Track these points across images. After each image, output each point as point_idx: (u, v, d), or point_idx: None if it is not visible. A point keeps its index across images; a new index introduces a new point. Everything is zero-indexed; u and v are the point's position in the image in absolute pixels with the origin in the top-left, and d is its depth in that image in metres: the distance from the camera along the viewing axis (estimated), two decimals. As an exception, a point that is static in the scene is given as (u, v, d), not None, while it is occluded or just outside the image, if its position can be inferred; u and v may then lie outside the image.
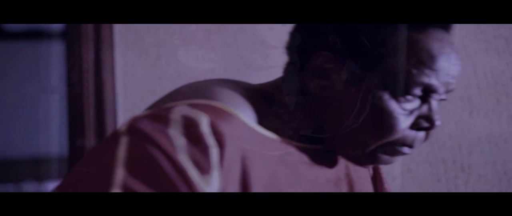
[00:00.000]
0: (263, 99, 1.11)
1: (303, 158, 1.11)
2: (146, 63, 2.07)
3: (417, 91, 1.06)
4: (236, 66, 2.04)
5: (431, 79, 1.05)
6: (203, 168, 0.97)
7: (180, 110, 1.00)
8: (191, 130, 0.98)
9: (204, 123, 0.99)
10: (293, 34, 1.15)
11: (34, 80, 5.18)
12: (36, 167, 4.97)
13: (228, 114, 1.02)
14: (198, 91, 1.06)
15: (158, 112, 1.00)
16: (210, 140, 0.98)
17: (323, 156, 1.14)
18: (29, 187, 4.65)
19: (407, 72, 1.04)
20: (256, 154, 1.04)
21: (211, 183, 0.97)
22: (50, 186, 4.61)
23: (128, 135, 0.97)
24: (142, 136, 0.97)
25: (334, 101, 1.08)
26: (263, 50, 2.05)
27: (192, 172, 0.96)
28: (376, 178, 1.28)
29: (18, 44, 5.00)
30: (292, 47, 1.14)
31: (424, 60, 1.04)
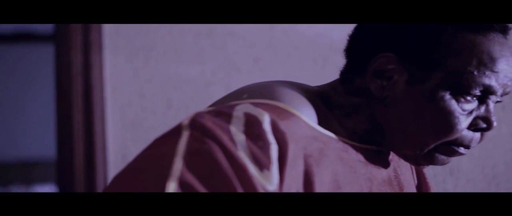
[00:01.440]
0: (321, 100, 1.14)
1: (360, 157, 1.13)
2: (135, 66, 2.06)
3: (477, 92, 1.07)
4: (225, 69, 2.04)
5: (491, 81, 1.07)
6: (263, 164, 0.98)
7: (243, 108, 1.02)
8: (252, 127, 0.99)
9: (266, 121, 1.00)
10: (353, 37, 1.16)
11: (23, 84, 5.16)
12: (24, 170, 4.95)
13: (290, 113, 1.05)
14: (261, 91, 1.08)
15: (221, 109, 1.02)
16: (271, 137, 1.00)
17: (378, 156, 1.16)
18: (17, 190, 4.63)
19: (469, 73, 1.06)
20: (317, 152, 1.06)
21: (271, 179, 0.98)
22: (39, 189, 4.60)
23: (190, 128, 0.98)
24: (203, 130, 0.98)
25: (395, 101, 1.10)
26: (252, 53, 2.05)
27: (251, 168, 0.97)
28: (421, 181, 1.31)
29: (6, 47, 4.99)
30: (352, 49, 1.16)
31: (485, 62, 1.07)
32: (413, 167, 1.29)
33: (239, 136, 0.99)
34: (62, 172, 2.04)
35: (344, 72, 1.17)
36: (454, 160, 1.16)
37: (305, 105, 1.10)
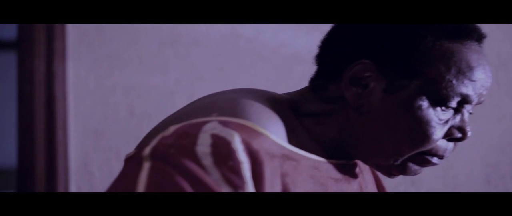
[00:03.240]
0: (291, 109, 1.10)
1: (330, 173, 1.09)
2: (98, 75, 2.05)
3: (455, 101, 1.06)
4: (189, 78, 2.04)
5: (469, 90, 1.05)
6: (236, 185, 0.94)
7: (210, 128, 0.97)
8: (221, 147, 0.95)
9: (236, 141, 0.96)
10: (326, 42, 1.12)
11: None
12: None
13: (259, 133, 1.00)
14: (229, 107, 1.03)
15: (186, 129, 0.97)
16: (242, 156, 0.96)
17: (347, 170, 1.13)
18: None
19: (448, 81, 1.04)
20: (292, 171, 1.03)
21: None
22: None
23: (150, 159, 0.94)
24: (165, 159, 0.94)
25: (370, 110, 1.07)
26: (216, 63, 2.05)
27: (224, 190, 0.93)
28: (379, 190, 1.29)
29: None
30: (325, 55, 1.12)
31: (464, 70, 1.05)
32: (374, 178, 1.27)
33: (207, 159, 0.94)
34: (23, 180, 2.02)
35: (315, 79, 1.13)
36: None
37: (274, 121, 1.06)
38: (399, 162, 1.08)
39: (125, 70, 2.05)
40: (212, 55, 2.05)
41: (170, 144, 0.95)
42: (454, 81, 1.04)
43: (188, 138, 0.96)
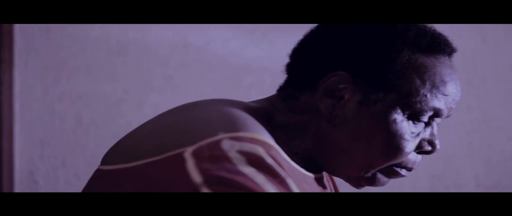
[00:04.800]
0: (263, 119, 1.06)
1: (313, 186, 1.08)
2: (46, 83, 2.03)
3: (428, 115, 1.06)
4: (137, 87, 2.03)
5: (441, 104, 1.06)
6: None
7: (231, 146, 0.95)
8: (259, 164, 0.94)
9: (265, 155, 0.95)
10: (298, 53, 1.10)
11: None
12: None
13: (270, 145, 0.99)
14: (226, 122, 1.00)
15: (211, 153, 0.94)
16: (281, 171, 0.95)
17: (320, 183, 1.12)
18: None
19: (422, 95, 1.04)
20: (299, 184, 1.01)
21: None
22: None
23: (207, 185, 0.91)
24: (222, 182, 0.91)
25: (344, 122, 1.06)
26: (165, 72, 2.04)
27: (273, 190, 0.92)
28: None
29: None
30: (298, 65, 1.10)
31: (437, 85, 1.05)
32: (331, 187, 1.24)
33: (258, 176, 0.93)
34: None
35: (285, 88, 1.11)
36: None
37: (266, 131, 1.04)
38: (369, 174, 1.08)
39: (73, 78, 2.03)
40: (161, 64, 2.04)
41: (215, 168, 0.93)
42: (428, 95, 1.05)
43: (222, 160, 0.93)
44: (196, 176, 0.92)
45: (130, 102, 2.01)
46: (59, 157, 2.00)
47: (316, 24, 1.12)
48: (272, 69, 2.01)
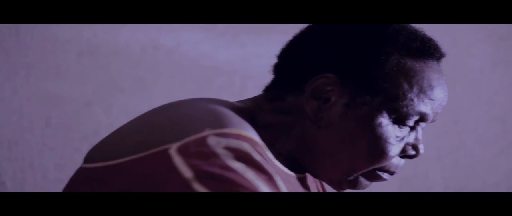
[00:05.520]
0: (247, 118, 1.06)
1: (296, 187, 1.08)
2: (14, 84, 2.01)
3: (413, 119, 1.05)
4: (107, 89, 2.01)
5: (428, 109, 1.06)
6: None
7: (217, 142, 0.95)
8: (248, 160, 0.94)
9: (252, 151, 0.95)
10: (287, 52, 1.10)
11: None
12: None
13: (256, 141, 0.99)
14: (210, 119, 1.00)
15: (198, 149, 0.94)
16: (269, 167, 0.95)
17: (304, 182, 1.11)
18: None
19: (409, 99, 1.04)
20: (284, 184, 1.01)
21: None
22: None
23: (198, 180, 0.91)
24: (214, 177, 0.91)
25: (330, 124, 1.05)
26: (135, 73, 2.03)
27: (261, 185, 0.92)
28: None
29: None
30: (286, 65, 1.09)
31: (425, 89, 1.05)
32: (319, 188, 1.24)
33: (247, 172, 0.92)
34: None
35: (272, 88, 1.10)
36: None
37: (252, 128, 1.03)
38: (352, 177, 1.08)
39: (42, 80, 2.01)
40: (131, 66, 2.03)
41: (206, 163, 0.92)
42: (415, 100, 1.04)
43: (210, 157, 0.93)
44: (186, 172, 0.91)
45: (99, 103, 2.00)
46: (27, 158, 1.98)
47: (305, 25, 1.11)
48: (242, 72, 2.01)
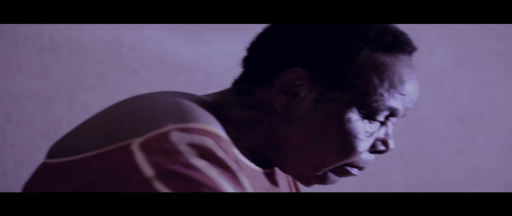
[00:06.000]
0: (214, 113, 1.04)
1: (262, 183, 1.07)
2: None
3: (384, 114, 1.05)
4: (69, 85, 2.00)
5: (398, 104, 1.05)
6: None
7: (180, 139, 0.93)
8: (211, 158, 0.92)
9: (216, 147, 0.93)
10: (257, 46, 1.08)
11: None
12: None
13: (220, 136, 0.97)
14: (175, 113, 0.97)
15: (161, 145, 0.92)
16: (232, 164, 0.94)
17: (272, 180, 1.10)
18: None
19: (379, 95, 1.03)
20: (249, 179, 1.00)
21: None
22: None
23: (160, 179, 0.90)
24: (177, 175, 0.90)
25: (299, 119, 1.04)
26: (98, 70, 2.02)
27: (225, 183, 0.92)
28: None
29: None
30: (255, 59, 1.08)
31: (396, 84, 1.04)
32: (291, 183, 1.23)
33: (210, 170, 0.91)
34: None
35: (241, 82, 1.09)
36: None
37: (217, 122, 1.01)
38: (321, 172, 1.07)
39: (3, 76, 1.99)
40: (94, 62, 2.01)
41: (170, 160, 0.91)
42: (385, 95, 1.03)
43: (173, 154, 0.91)
44: (148, 170, 0.90)
45: (61, 100, 1.99)
46: (-13, 155, 1.96)
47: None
48: (206, 69, 2.01)
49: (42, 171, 1.00)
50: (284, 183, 1.18)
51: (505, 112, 2.24)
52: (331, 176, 1.08)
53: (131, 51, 2.03)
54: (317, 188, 1.25)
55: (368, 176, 2.15)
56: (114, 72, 2.02)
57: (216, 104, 1.07)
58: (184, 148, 0.92)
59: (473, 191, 2.22)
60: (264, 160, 1.08)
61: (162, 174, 0.90)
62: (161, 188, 0.89)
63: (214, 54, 2.01)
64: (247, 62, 1.09)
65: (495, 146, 2.24)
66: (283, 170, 1.10)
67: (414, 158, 2.21)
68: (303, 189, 1.24)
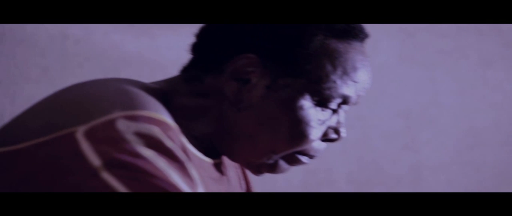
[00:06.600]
0: (161, 100, 1.00)
1: (210, 173, 1.05)
2: None
3: (336, 102, 1.03)
4: (12, 78, 1.98)
5: (351, 91, 1.03)
6: (190, 184, 0.91)
7: (127, 127, 0.90)
8: (159, 148, 0.90)
9: (163, 137, 0.91)
10: (206, 32, 1.06)
11: None
12: None
13: (168, 124, 0.94)
14: (121, 99, 0.95)
15: (107, 134, 0.89)
16: (180, 154, 0.91)
17: (219, 167, 1.08)
18: None
19: (332, 82, 1.01)
20: (197, 169, 0.98)
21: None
22: None
23: (107, 169, 0.87)
24: (125, 166, 0.87)
25: (250, 106, 1.02)
26: (42, 62, 2.00)
27: (173, 173, 0.89)
28: (249, 190, 1.24)
29: None
30: (204, 45, 1.05)
31: (348, 71, 1.02)
32: (240, 175, 1.22)
33: (159, 160, 0.89)
34: None
35: (190, 69, 1.06)
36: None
37: (165, 110, 0.98)
38: (271, 161, 1.06)
39: None
40: (38, 55, 1.99)
41: (117, 149, 0.89)
42: (338, 82, 1.02)
43: (120, 142, 0.89)
44: (94, 159, 0.88)
45: (3, 93, 1.97)
46: None
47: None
48: (151, 63, 2.00)
49: None
50: (233, 174, 1.18)
51: (448, 109, 2.27)
52: (282, 164, 1.07)
53: (76, 45, 2.01)
54: (258, 181, 1.25)
55: (312, 171, 2.17)
56: (59, 65, 2.00)
57: (163, 92, 1.04)
58: (131, 137, 0.90)
59: (415, 187, 2.24)
60: (212, 150, 1.07)
61: (109, 163, 0.88)
62: (108, 178, 0.87)
63: (160, 48, 2.00)
64: (197, 48, 1.07)
65: (438, 143, 2.27)
66: (233, 159, 1.09)
67: (358, 153, 2.23)
68: (253, 179, 1.23)
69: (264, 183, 2.08)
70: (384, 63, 2.27)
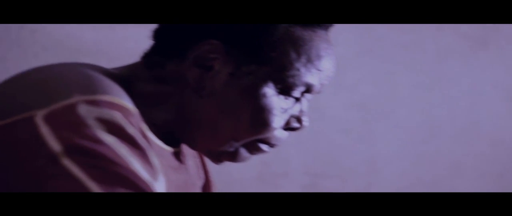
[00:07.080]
0: (123, 86, 0.99)
1: (170, 161, 1.04)
2: None
3: (299, 90, 1.03)
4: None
5: (315, 79, 1.03)
6: (151, 173, 0.90)
7: (88, 112, 0.89)
8: (120, 134, 0.89)
9: (125, 123, 0.90)
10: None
11: None
12: None
13: (128, 110, 0.93)
14: (81, 83, 0.93)
15: (67, 118, 0.88)
16: (142, 141, 0.90)
17: (179, 158, 1.07)
18: None
19: (296, 69, 1.01)
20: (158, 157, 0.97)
21: (161, 187, 0.90)
22: None
23: (68, 155, 0.86)
24: (86, 153, 0.86)
25: (212, 93, 1.01)
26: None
27: (135, 161, 0.88)
28: (207, 180, 1.22)
29: None
30: (167, 31, 1.03)
31: (313, 59, 1.02)
32: (198, 165, 1.21)
33: (120, 147, 0.88)
34: None
35: (151, 55, 1.04)
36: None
37: (126, 95, 0.97)
38: (232, 149, 1.05)
39: None
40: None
41: (64, 136, 0.87)
42: (302, 70, 1.01)
43: (82, 126, 0.88)
44: (54, 144, 0.86)
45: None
46: None
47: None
48: (109, 53, 1.99)
49: None
50: (192, 163, 1.17)
51: (405, 102, 2.29)
52: (243, 152, 1.06)
53: (32, 34, 1.99)
54: (213, 172, 1.25)
55: (268, 163, 2.18)
56: (14, 55, 1.99)
57: (124, 77, 1.03)
58: (92, 123, 0.88)
59: (370, 179, 2.26)
60: (171, 138, 1.06)
61: (70, 149, 0.86)
62: (69, 164, 0.86)
63: (117, 38, 1.99)
64: (159, 34, 1.05)
65: (394, 135, 2.29)
66: (193, 147, 1.08)
67: (314, 145, 2.24)
68: (212, 167, 1.23)
69: (219, 173, 2.08)
70: (342, 55, 2.28)
